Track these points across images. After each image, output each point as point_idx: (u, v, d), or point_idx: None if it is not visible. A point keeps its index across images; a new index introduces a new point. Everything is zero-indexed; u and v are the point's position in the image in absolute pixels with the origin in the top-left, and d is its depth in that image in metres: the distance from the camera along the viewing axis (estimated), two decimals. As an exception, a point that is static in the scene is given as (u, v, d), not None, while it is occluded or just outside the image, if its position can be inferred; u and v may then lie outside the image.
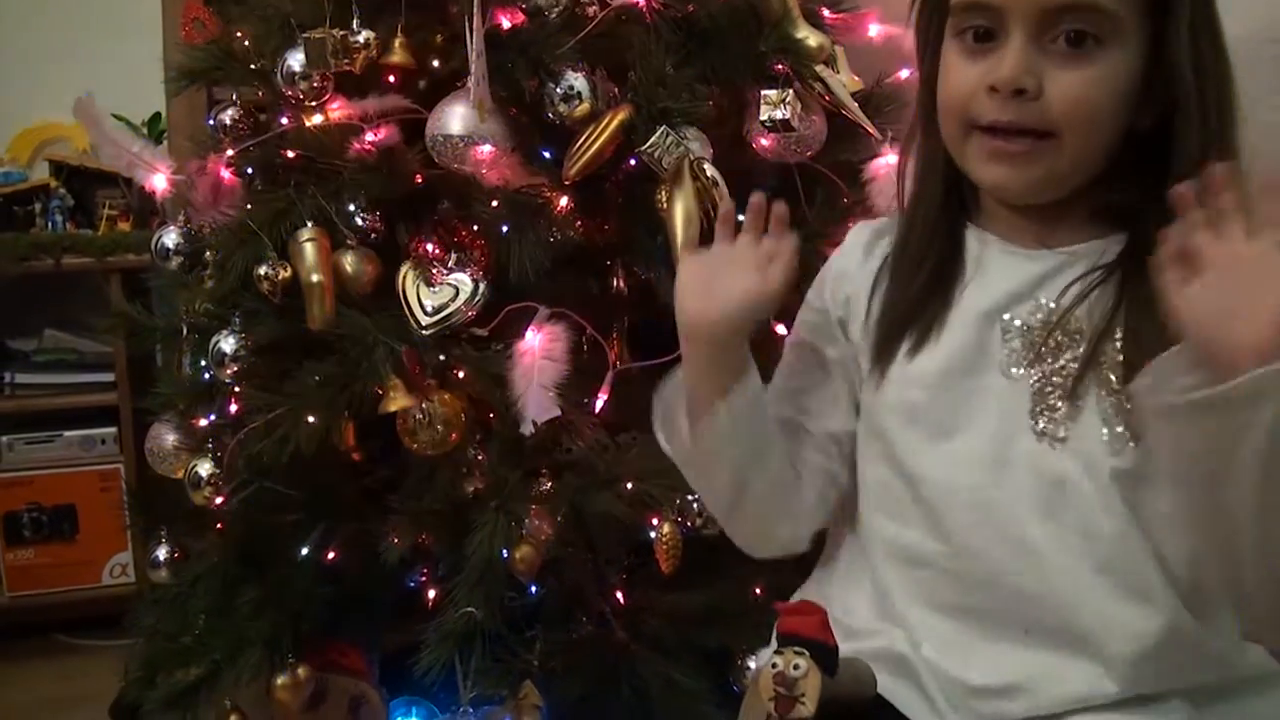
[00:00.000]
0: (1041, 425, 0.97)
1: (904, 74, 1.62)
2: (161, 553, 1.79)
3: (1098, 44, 0.92)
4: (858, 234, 1.18)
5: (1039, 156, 0.96)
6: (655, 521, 1.47)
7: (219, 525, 1.68)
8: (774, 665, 0.86)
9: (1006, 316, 1.00)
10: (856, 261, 1.14)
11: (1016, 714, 0.95)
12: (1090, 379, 0.95)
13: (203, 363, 1.65)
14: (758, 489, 1.09)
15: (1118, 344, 0.95)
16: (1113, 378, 0.94)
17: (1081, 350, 0.96)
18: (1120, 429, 0.93)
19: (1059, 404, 0.96)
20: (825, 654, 0.87)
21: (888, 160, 1.54)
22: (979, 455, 0.99)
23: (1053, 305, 0.98)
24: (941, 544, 1.00)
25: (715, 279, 1.08)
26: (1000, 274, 1.02)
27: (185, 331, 1.74)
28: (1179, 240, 0.82)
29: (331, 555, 1.61)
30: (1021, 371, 0.98)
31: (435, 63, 1.58)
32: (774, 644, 0.90)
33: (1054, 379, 0.97)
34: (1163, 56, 0.94)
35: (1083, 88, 0.93)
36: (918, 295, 1.04)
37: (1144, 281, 0.88)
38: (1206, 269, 0.81)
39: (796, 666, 0.85)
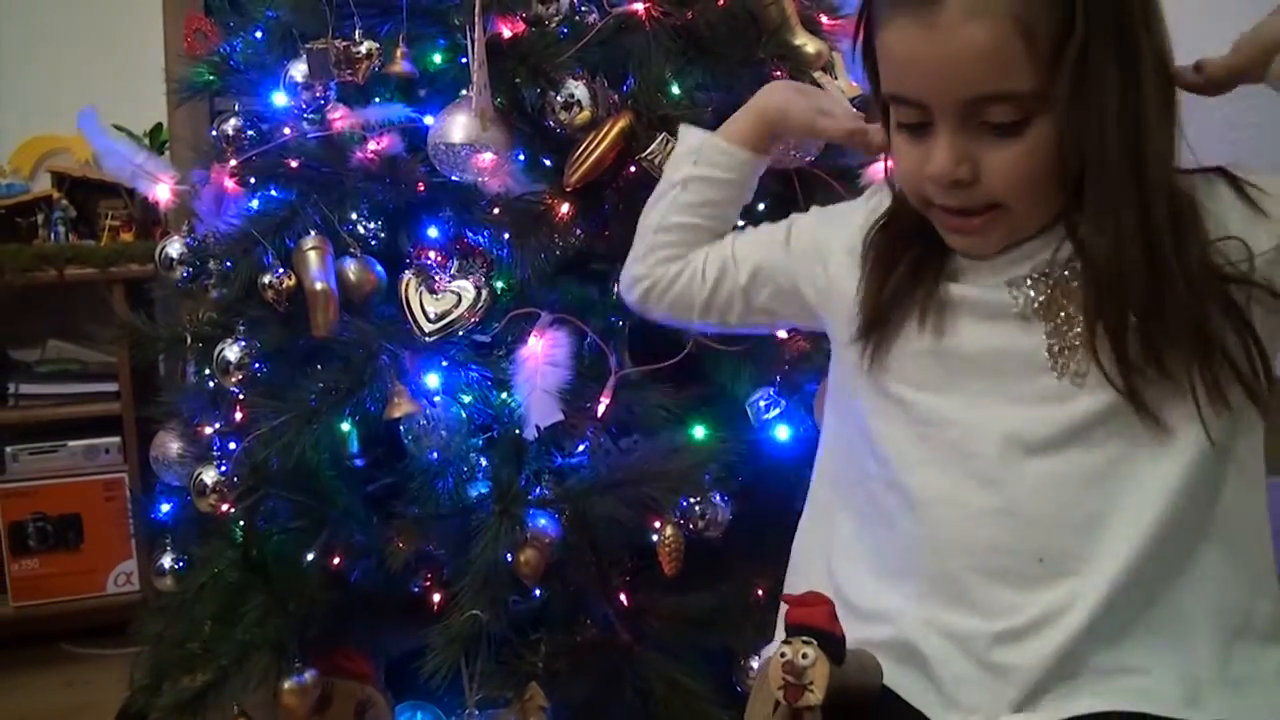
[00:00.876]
0: (1061, 365, 0.98)
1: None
2: (166, 560, 1.80)
3: (1024, 121, 0.92)
4: (870, 198, 1.17)
5: (994, 224, 0.97)
6: (658, 524, 1.48)
7: (224, 532, 1.69)
8: (783, 654, 0.87)
9: (1010, 280, 1.01)
10: (859, 225, 1.14)
11: (1045, 653, 0.96)
12: (1098, 325, 0.95)
13: (207, 371, 1.66)
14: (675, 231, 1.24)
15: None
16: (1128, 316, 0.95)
17: (1084, 301, 0.97)
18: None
19: (1077, 344, 0.97)
20: (833, 643, 0.88)
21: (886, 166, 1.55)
22: (1003, 399, 1.00)
23: (1048, 271, 0.99)
24: (970, 485, 1.00)
25: (816, 97, 1.24)
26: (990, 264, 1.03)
27: (189, 340, 1.76)
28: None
29: (336, 561, 1.62)
30: (1034, 323, 0.99)
31: (436, 72, 1.60)
32: (780, 635, 0.91)
33: (1070, 325, 0.98)
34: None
35: (1017, 163, 0.93)
36: (909, 277, 1.05)
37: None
38: None
39: (805, 655, 0.86)
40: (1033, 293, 1.00)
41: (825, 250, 1.15)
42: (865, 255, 1.10)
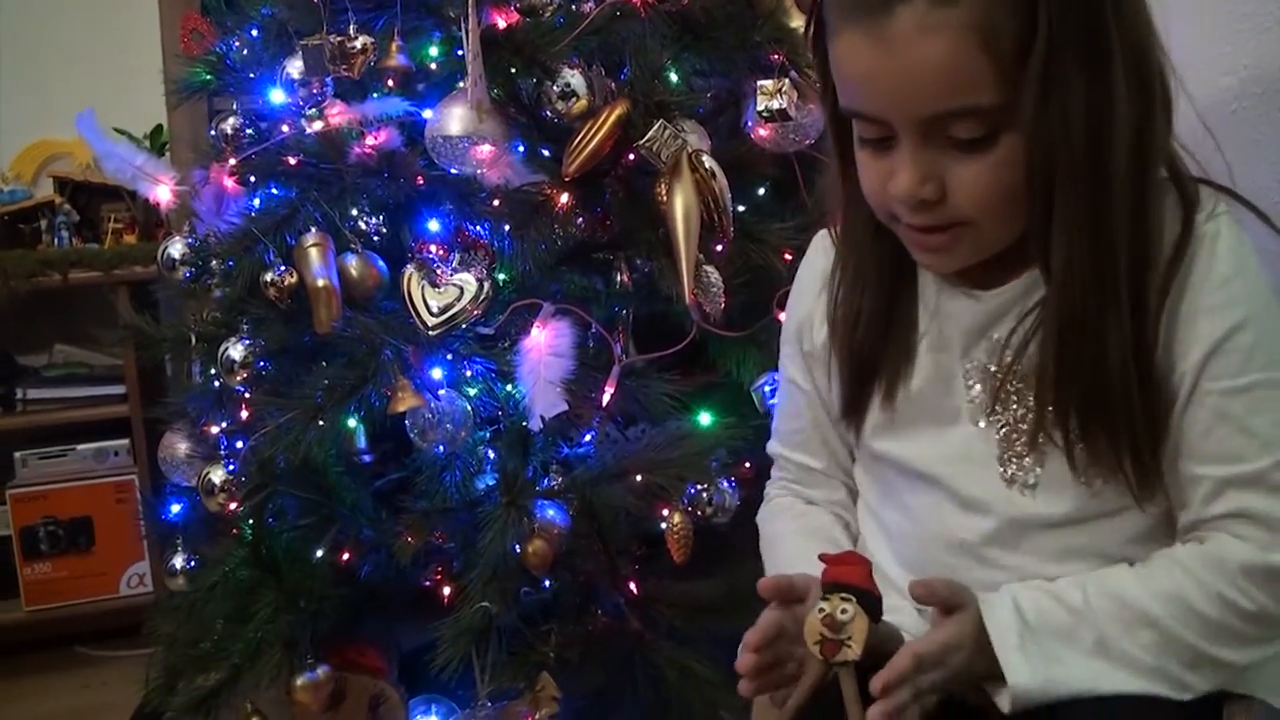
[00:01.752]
0: (1010, 473, 0.97)
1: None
2: (178, 561, 1.80)
3: (990, 136, 0.86)
4: (818, 259, 1.13)
5: (960, 240, 0.93)
6: (666, 512, 1.48)
7: (234, 531, 1.70)
8: (821, 609, 0.87)
9: (968, 363, 0.99)
10: (815, 292, 1.11)
11: None
12: (1048, 425, 0.94)
13: (212, 371, 1.66)
14: None
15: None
16: (1068, 424, 0.93)
17: (1033, 399, 0.95)
18: (1083, 473, 0.94)
19: (1025, 451, 0.96)
20: (871, 601, 0.87)
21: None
22: (959, 501, 1.00)
23: (1004, 343, 0.97)
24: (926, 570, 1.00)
25: None
26: (954, 318, 1.00)
27: (194, 340, 1.76)
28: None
29: (346, 556, 1.62)
30: (985, 422, 0.98)
31: (432, 65, 1.59)
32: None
33: (1019, 426, 0.96)
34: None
35: (984, 179, 0.88)
36: (875, 349, 1.03)
37: (1056, 315, 0.90)
38: None
39: (844, 611, 0.86)
40: (979, 388, 0.98)
41: (807, 350, 1.13)
42: (831, 338, 1.07)
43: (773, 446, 1.22)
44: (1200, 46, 1.37)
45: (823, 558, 0.92)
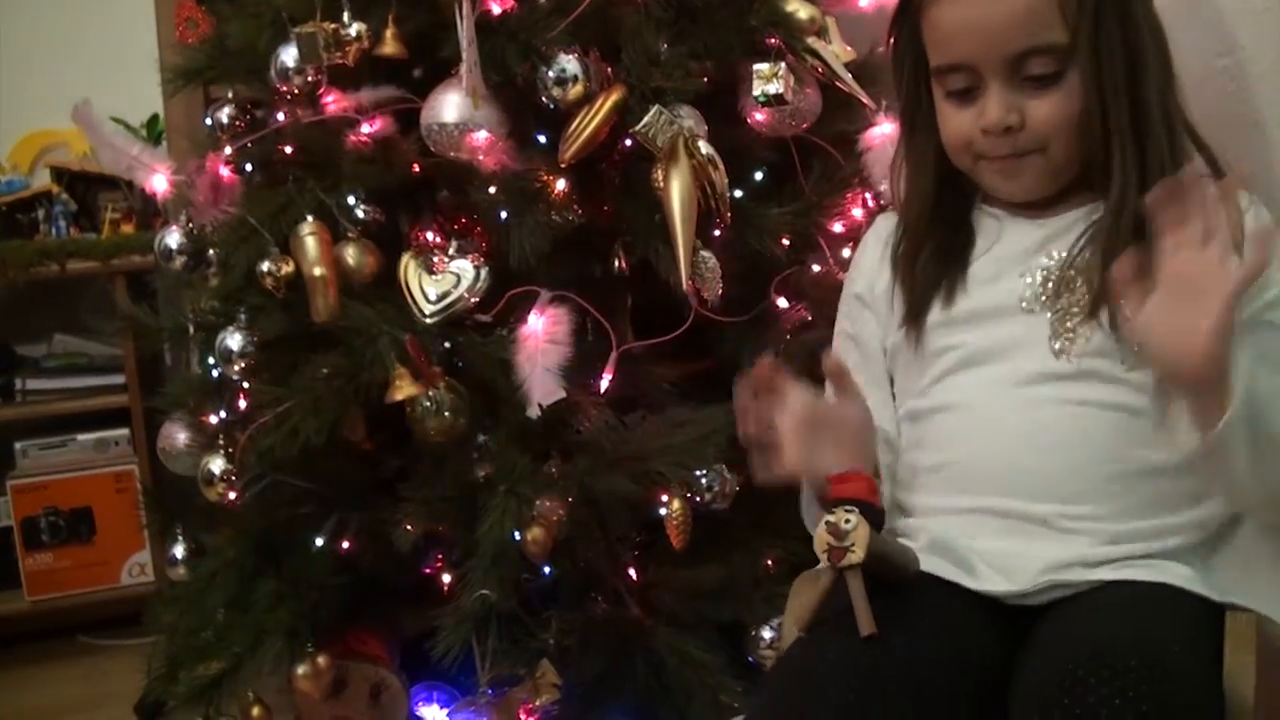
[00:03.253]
0: (1060, 345, 1.12)
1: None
2: (179, 550, 1.80)
3: (1058, 74, 1.10)
4: (882, 226, 1.32)
5: (1034, 165, 1.14)
6: (665, 498, 1.48)
7: (234, 520, 1.70)
8: (827, 521, 0.97)
9: (1021, 267, 1.17)
10: (877, 256, 1.29)
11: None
12: (1102, 305, 1.10)
13: (210, 360, 1.66)
14: None
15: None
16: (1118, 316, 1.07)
17: (1094, 284, 1.11)
18: (1129, 349, 1.08)
19: (1075, 329, 1.12)
20: (873, 512, 0.98)
21: (883, 130, 1.55)
22: (1008, 378, 1.14)
23: (1063, 255, 1.15)
24: (970, 455, 1.15)
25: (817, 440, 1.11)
26: (1015, 238, 1.19)
27: (192, 330, 1.76)
28: (1131, 262, 0.97)
29: (346, 545, 1.62)
30: (1039, 308, 1.14)
31: (427, 52, 1.58)
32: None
33: (1072, 310, 1.12)
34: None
35: (1057, 109, 1.11)
36: (936, 271, 1.21)
37: (1118, 240, 1.08)
38: (1160, 287, 0.95)
39: (848, 521, 0.96)
40: (1034, 282, 1.15)
41: (869, 302, 1.29)
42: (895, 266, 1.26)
43: None
44: (1197, 26, 1.36)
45: (829, 477, 1.03)
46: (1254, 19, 1.34)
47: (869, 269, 1.30)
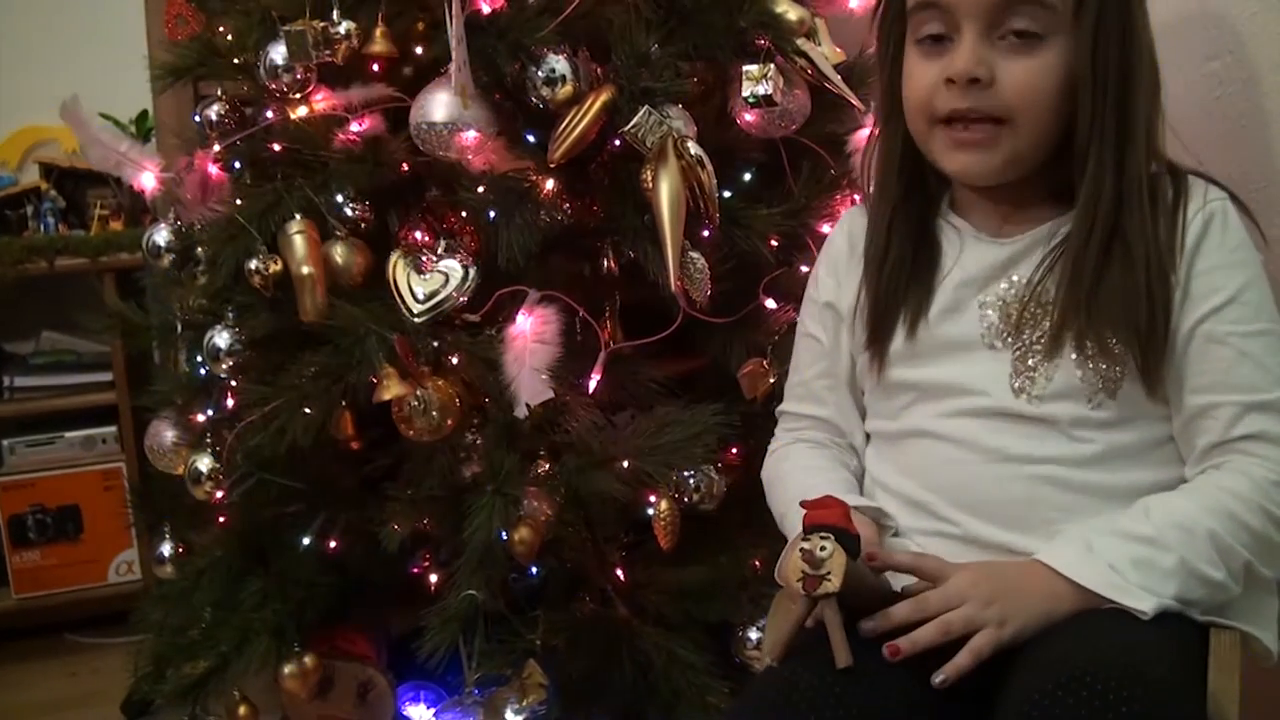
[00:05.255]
0: (1020, 384, 1.09)
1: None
2: (166, 548, 1.80)
3: (1040, 37, 1.02)
4: (846, 222, 1.29)
5: (997, 141, 1.06)
6: (653, 499, 1.48)
7: (221, 519, 1.69)
8: (802, 548, 0.93)
9: (982, 296, 1.12)
10: (844, 253, 1.25)
11: None
12: (1065, 340, 1.06)
13: (198, 358, 1.66)
14: None
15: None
16: (1086, 342, 1.05)
17: (1053, 318, 1.07)
18: (1094, 385, 1.05)
19: (1036, 367, 1.08)
20: (848, 539, 0.94)
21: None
22: (969, 411, 1.11)
23: (1023, 281, 1.10)
24: (938, 483, 1.13)
25: None
26: (974, 260, 1.14)
27: (180, 328, 1.75)
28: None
29: (333, 544, 1.62)
30: (1000, 345, 1.11)
31: (417, 50, 1.58)
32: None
33: (1033, 346, 1.08)
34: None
35: (1031, 75, 1.03)
36: (899, 287, 1.16)
37: (1089, 254, 1.04)
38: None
39: (823, 548, 0.92)
40: (995, 316, 1.11)
41: (832, 303, 1.26)
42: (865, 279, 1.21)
43: (780, 408, 1.35)
44: (1185, 31, 1.37)
45: (803, 504, 0.99)
46: (1242, 23, 1.35)
47: (838, 269, 1.26)
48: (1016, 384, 1.09)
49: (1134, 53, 1.04)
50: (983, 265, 1.13)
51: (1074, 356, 1.06)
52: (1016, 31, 1.02)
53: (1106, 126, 1.03)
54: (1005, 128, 1.05)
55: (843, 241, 1.27)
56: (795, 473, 1.26)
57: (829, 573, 0.91)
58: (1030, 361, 1.08)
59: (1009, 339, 1.10)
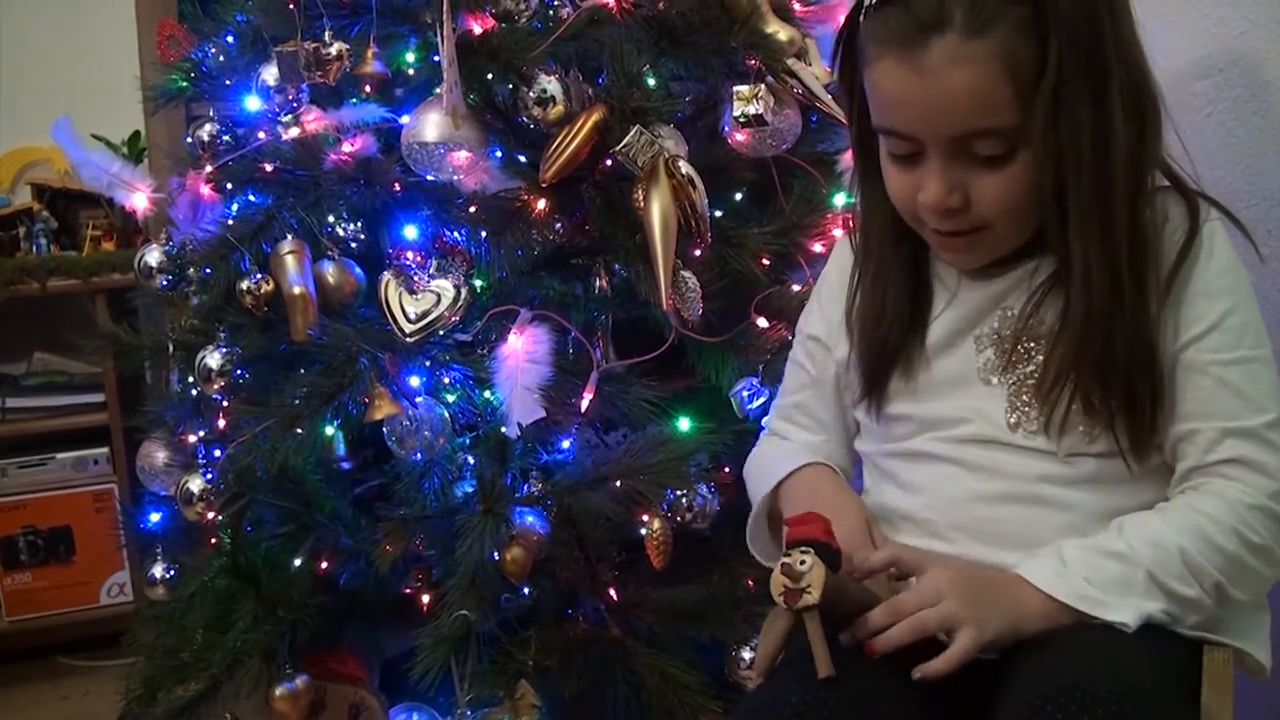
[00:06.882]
0: (1015, 419, 1.08)
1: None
2: (158, 570, 1.80)
3: (1009, 153, 0.99)
4: (839, 254, 1.28)
5: (981, 242, 1.07)
6: (645, 518, 1.48)
7: (213, 540, 1.69)
8: (783, 564, 0.94)
9: (976, 331, 1.12)
10: (835, 286, 1.24)
11: None
12: (1061, 376, 1.04)
13: (190, 379, 1.66)
14: None
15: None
16: (1076, 399, 1.04)
17: (1047, 353, 1.06)
18: (1088, 422, 1.05)
19: (1030, 403, 1.08)
20: (828, 553, 0.95)
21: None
22: (967, 437, 1.11)
23: (1014, 314, 1.10)
24: (936, 505, 1.12)
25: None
26: (967, 296, 1.13)
27: (172, 348, 1.75)
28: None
29: (325, 565, 1.61)
30: (996, 380, 1.10)
31: (408, 71, 1.59)
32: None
33: (1027, 383, 1.08)
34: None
35: (1004, 189, 1.01)
36: (895, 338, 1.15)
37: (1067, 289, 1.03)
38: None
39: (803, 562, 0.93)
40: (990, 352, 1.10)
41: (824, 346, 1.25)
42: (850, 327, 1.20)
43: (768, 422, 1.35)
44: (1175, 50, 1.37)
45: (785, 520, 1.00)
46: (1231, 42, 1.35)
47: (821, 300, 1.27)
48: (1012, 419, 1.08)
49: (1108, 127, 0.99)
50: (976, 300, 1.12)
51: (1066, 400, 1.05)
52: (981, 155, 1.00)
53: (1083, 200, 1.00)
54: (987, 231, 1.05)
55: (835, 274, 1.26)
56: (771, 452, 1.29)
57: (809, 586, 0.92)
58: (1025, 397, 1.08)
59: (1004, 373, 1.09)
